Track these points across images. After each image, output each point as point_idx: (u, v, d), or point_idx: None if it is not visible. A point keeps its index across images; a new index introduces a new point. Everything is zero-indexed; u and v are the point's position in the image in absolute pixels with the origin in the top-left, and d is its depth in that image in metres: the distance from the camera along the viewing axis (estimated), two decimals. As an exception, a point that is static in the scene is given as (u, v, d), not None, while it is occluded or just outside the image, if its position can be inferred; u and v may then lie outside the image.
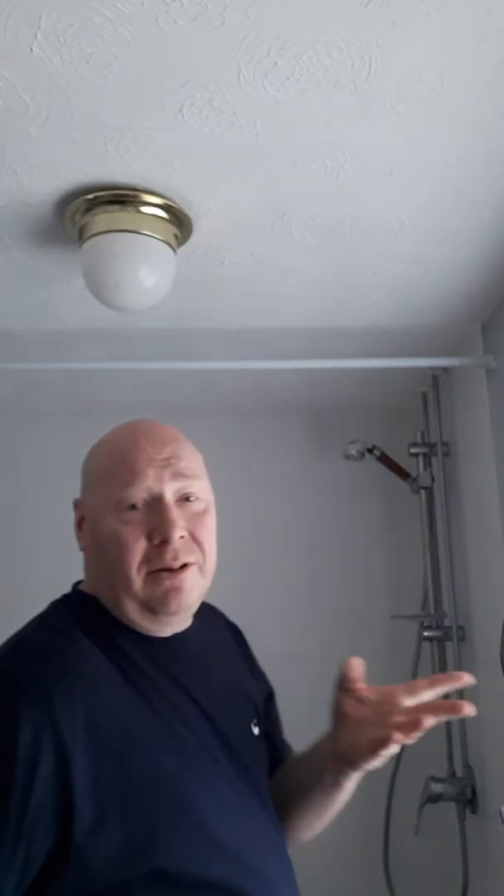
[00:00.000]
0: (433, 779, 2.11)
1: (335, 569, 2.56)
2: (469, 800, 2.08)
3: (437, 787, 2.09)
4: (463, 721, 2.12)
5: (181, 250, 1.47)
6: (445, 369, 2.21)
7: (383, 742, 0.82)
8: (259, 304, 1.79)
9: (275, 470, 2.63)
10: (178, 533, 0.88)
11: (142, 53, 0.99)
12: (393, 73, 1.03)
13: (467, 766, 2.11)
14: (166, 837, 0.79)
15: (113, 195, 1.31)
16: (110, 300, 1.43)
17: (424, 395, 2.38)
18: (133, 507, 0.89)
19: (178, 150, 1.20)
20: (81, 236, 1.39)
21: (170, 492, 0.90)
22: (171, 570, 0.88)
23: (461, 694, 2.12)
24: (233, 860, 0.83)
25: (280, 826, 0.95)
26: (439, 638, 2.24)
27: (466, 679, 0.86)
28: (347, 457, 2.43)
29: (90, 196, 1.31)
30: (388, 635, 2.49)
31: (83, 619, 0.90)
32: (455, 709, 0.82)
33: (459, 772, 2.13)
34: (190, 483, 0.92)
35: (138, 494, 0.89)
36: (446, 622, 2.23)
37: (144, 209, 1.33)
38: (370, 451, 2.43)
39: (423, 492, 2.35)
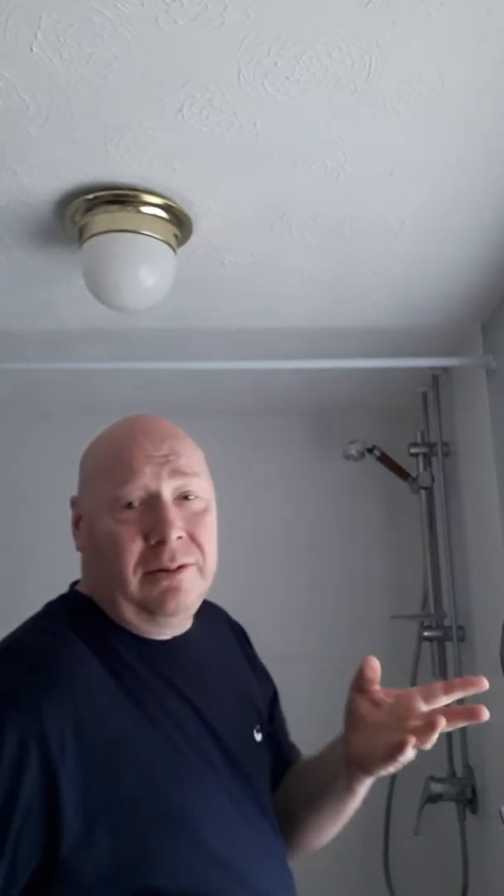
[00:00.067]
0: (433, 779, 2.11)
1: (335, 569, 2.56)
2: (469, 800, 2.08)
3: (437, 787, 2.09)
4: (463, 721, 2.11)
5: (181, 250, 1.47)
6: (445, 369, 2.21)
7: (399, 747, 0.79)
8: (259, 304, 1.79)
9: (275, 470, 2.63)
10: (176, 533, 0.85)
11: (142, 53, 0.99)
12: (393, 73, 1.03)
13: (467, 766, 2.11)
14: (159, 850, 0.76)
15: (113, 195, 1.31)
16: (110, 300, 1.43)
17: (424, 395, 2.38)
18: (129, 505, 0.86)
19: (178, 150, 1.20)
20: (81, 236, 1.39)
21: (167, 490, 0.87)
22: (167, 570, 0.85)
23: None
24: (228, 873, 0.80)
25: (280, 835, 0.91)
26: (439, 638, 2.24)
27: (484, 684, 0.85)
28: (347, 457, 2.43)
29: (90, 196, 1.31)
30: (388, 635, 2.48)
31: (78, 621, 0.88)
32: (473, 714, 0.81)
33: (459, 772, 2.13)
34: (189, 481, 0.89)
35: (135, 493, 0.86)
36: (446, 622, 2.23)
37: (144, 209, 1.33)
38: (370, 451, 2.43)
39: (423, 492, 2.35)
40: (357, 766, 0.85)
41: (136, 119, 1.13)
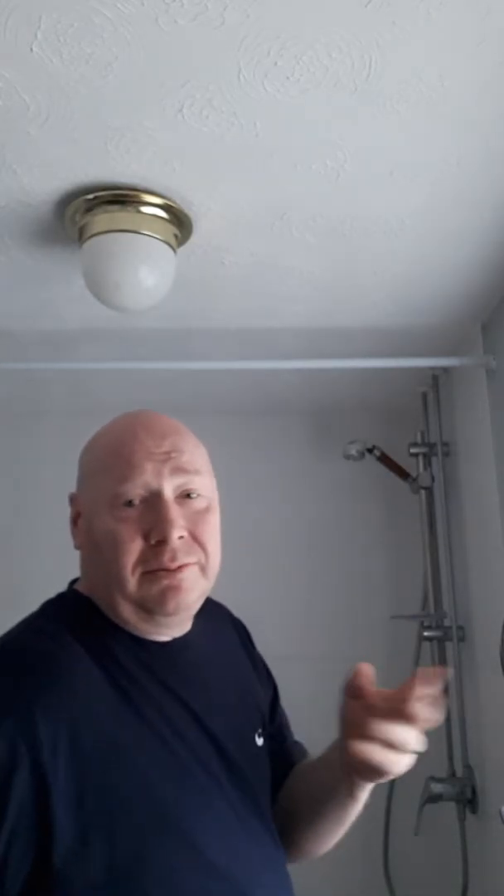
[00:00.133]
0: (433, 779, 2.11)
1: (335, 569, 2.56)
2: (469, 800, 2.08)
3: (437, 787, 2.09)
4: (463, 721, 2.12)
5: (181, 250, 1.47)
6: (445, 369, 2.21)
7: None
8: (259, 304, 1.79)
9: (275, 470, 2.63)
10: (177, 533, 0.83)
11: (142, 53, 0.99)
12: (393, 73, 1.03)
13: (467, 766, 2.11)
14: (155, 859, 0.74)
15: (113, 195, 1.31)
16: (110, 300, 1.43)
17: (424, 395, 2.38)
18: (130, 503, 0.83)
19: (178, 150, 1.20)
20: (81, 236, 1.39)
21: (169, 488, 0.85)
22: (167, 570, 0.83)
23: (461, 694, 2.12)
24: (227, 883, 0.78)
25: (279, 843, 0.89)
26: (439, 638, 2.24)
27: (448, 674, 0.82)
28: (347, 457, 2.43)
29: (90, 196, 1.31)
30: (388, 635, 2.49)
31: (76, 621, 0.85)
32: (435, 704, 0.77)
33: (459, 772, 2.13)
34: (191, 479, 0.86)
35: (135, 490, 0.84)
36: (446, 622, 2.23)
37: (144, 209, 1.33)
38: (370, 451, 2.43)
39: (423, 492, 2.35)
40: (356, 772, 0.81)
41: (136, 119, 1.13)
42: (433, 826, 2.14)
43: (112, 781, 0.74)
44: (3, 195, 1.32)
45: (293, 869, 0.93)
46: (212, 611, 0.97)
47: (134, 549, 0.82)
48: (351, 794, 0.86)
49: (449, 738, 2.19)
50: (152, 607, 0.84)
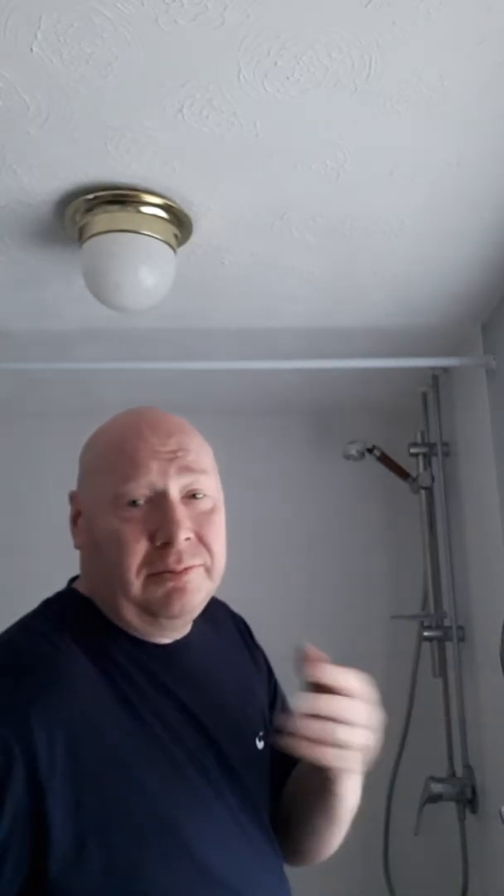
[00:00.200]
0: (433, 779, 2.11)
1: (335, 569, 2.56)
2: (469, 800, 2.08)
3: (437, 787, 2.09)
4: (463, 721, 2.12)
5: (181, 250, 1.47)
6: (445, 369, 2.21)
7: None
8: (259, 304, 1.79)
9: (275, 470, 2.63)
10: (184, 534, 0.81)
11: (142, 53, 0.99)
12: (393, 73, 1.03)
13: (467, 766, 2.11)
14: (154, 870, 0.72)
15: (113, 195, 1.31)
16: (110, 300, 1.43)
17: (424, 395, 2.38)
18: (134, 503, 0.81)
19: (178, 150, 1.20)
20: (81, 236, 1.39)
21: (175, 488, 0.82)
22: (173, 572, 0.81)
23: (461, 694, 2.12)
24: (223, 888, 0.76)
25: (278, 848, 0.88)
26: (439, 638, 2.24)
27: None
28: (347, 457, 2.43)
29: (90, 196, 1.31)
30: (388, 635, 2.49)
31: (75, 622, 0.84)
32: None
33: (459, 772, 2.13)
34: (197, 479, 0.84)
35: (139, 490, 0.81)
36: (446, 622, 2.23)
37: (144, 209, 1.33)
38: (370, 451, 2.43)
39: (423, 492, 2.35)
40: (319, 767, 0.79)
41: (136, 119, 1.13)
42: (433, 826, 2.14)
43: (109, 788, 0.73)
44: (3, 195, 1.32)
45: (293, 868, 0.93)
46: (211, 610, 0.95)
47: (139, 550, 0.80)
48: (328, 789, 0.83)
49: (449, 738, 2.19)
50: (157, 610, 0.82)
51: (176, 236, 1.40)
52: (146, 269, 1.38)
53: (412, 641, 2.34)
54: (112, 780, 0.73)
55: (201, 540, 0.83)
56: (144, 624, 0.83)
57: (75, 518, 0.90)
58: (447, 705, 2.24)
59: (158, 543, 0.81)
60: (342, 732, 0.74)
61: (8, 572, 2.46)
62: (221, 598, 1.03)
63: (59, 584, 0.96)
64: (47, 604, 0.89)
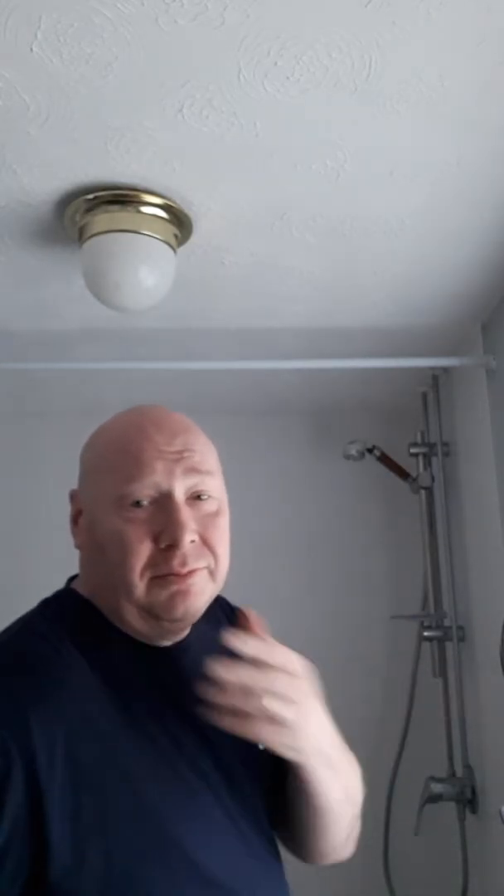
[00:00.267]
0: (433, 779, 2.11)
1: (335, 569, 2.56)
2: (469, 800, 2.08)
3: (437, 787, 2.09)
4: (463, 721, 2.12)
5: (181, 250, 1.47)
6: (445, 369, 2.21)
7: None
8: (259, 304, 1.79)
9: (275, 470, 2.63)
10: (189, 537, 0.79)
11: (142, 53, 0.99)
12: (393, 73, 1.03)
13: (467, 766, 2.11)
14: (153, 877, 0.72)
15: (113, 195, 1.31)
16: (110, 300, 1.43)
17: (424, 395, 2.38)
18: (138, 503, 0.79)
19: (178, 150, 1.20)
20: (81, 236, 1.39)
21: (180, 489, 0.80)
22: (177, 574, 0.79)
23: (461, 694, 2.12)
24: (222, 893, 0.75)
25: (277, 852, 0.87)
26: (439, 638, 2.24)
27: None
28: (347, 457, 2.43)
29: (90, 196, 1.31)
30: (388, 635, 2.49)
31: (74, 623, 0.82)
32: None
33: (459, 772, 2.13)
34: (203, 480, 0.82)
35: (144, 490, 0.79)
36: (446, 622, 2.23)
37: (144, 209, 1.33)
38: (370, 451, 2.43)
39: (423, 492, 2.35)
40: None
41: (136, 119, 1.13)
42: (433, 826, 2.14)
43: (108, 793, 0.72)
44: (3, 195, 1.32)
45: (293, 868, 0.93)
46: (211, 610, 0.93)
47: (143, 551, 0.79)
48: (298, 778, 0.80)
49: (449, 738, 2.19)
50: (159, 613, 0.80)
51: (176, 236, 1.40)
52: (146, 269, 1.38)
53: (412, 641, 2.34)
54: (110, 784, 0.72)
55: (206, 542, 0.82)
56: (146, 626, 0.82)
57: (76, 517, 0.88)
58: (447, 705, 2.24)
59: (163, 546, 0.79)
60: (258, 703, 0.72)
61: (8, 572, 2.46)
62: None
63: (60, 584, 0.95)
64: (46, 604, 0.88)
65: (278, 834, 0.91)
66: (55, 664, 0.77)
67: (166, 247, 1.39)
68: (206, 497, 0.83)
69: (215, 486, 0.85)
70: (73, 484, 0.92)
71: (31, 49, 0.98)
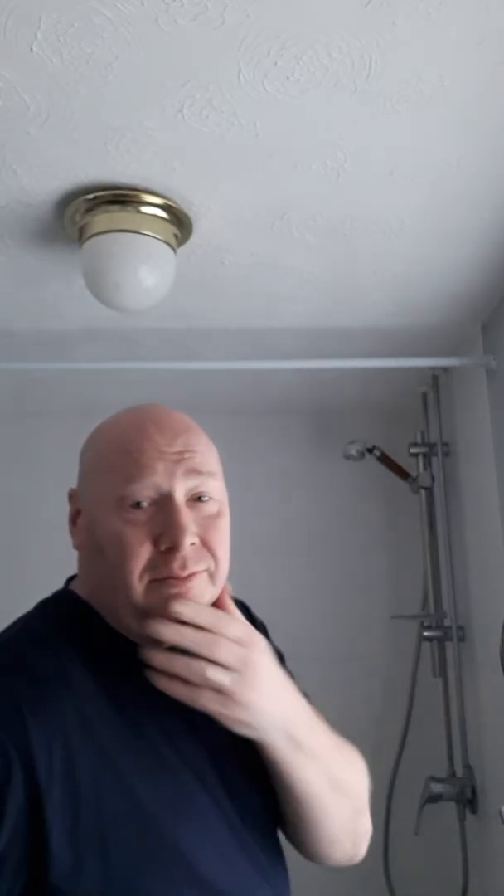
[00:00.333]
0: (433, 779, 2.11)
1: (335, 569, 2.56)
2: (469, 800, 2.08)
3: (437, 787, 2.09)
4: (463, 721, 2.12)
5: (181, 250, 1.47)
6: (445, 369, 2.21)
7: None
8: (259, 304, 1.79)
9: (275, 470, 2.63)
10: (189, 540, 0.78)
11: (142, 53, 0.99)
12: (393, 73, 1.03)
13: (467, 766, 2.11)
14: (149, 878, 0.71)
15: (113, 195, 1.31)
16: (110, 300, 1.43)
17: (424, 395, 2.38)
18: (138, 504, 0.78)
19: (178, 150, 1.20)
20: (81, 236, 1.39)
21: (181, 491, 0.79)
22: (177, 577, 0.77)
23: (461, 694, 2.12)
24: None
25: (280, 854, 0.86)
26: (439, 638, 2.24)
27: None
28: (347, 457, 2.43)
29: (90, 196, 1.31)
30: (388, 635, 2.49)
31: (72, 625, 0.82)
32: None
33: (459, 772, 2.13)
34: (204, 481, 0.81)
35: (144, 491, 0.78)
36: (446, 622, 2.23)
37: (144, 209, 1.33)
38: (370, 451, 2.43)
39: (423, 492, 2.35)
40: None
41: (136, 119, 1.13)
42: (433, 826, 2.14)
43: (106, 798, 0.71)
44: (3, 195, 1.32)
45: (293, 867, 0.92)
46: None
47: (142, 554, 0.77)
48: (266, 760, 0.80)
49: (449, 738, 2.19)
50: (158, 615, 0.79)
51: (176, 236, 1.40)
52: (146, 269, 1.38)
53: (412, 641, 2.34)
54: (107, 789, 0.72)
55: (206, 545, 0.80)
56: (145, 629, 0.81)
57: (74, 517, 0.87)
58: (447, 705, 2.24)
59: (163, 548, 0.78)
60: (198, 669, 0.73)
61: (8, 572, 2.47)
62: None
63: (59, 585, 0.95)
64: (44, 604, 0.87)
65: (283, 831, 0.90)
66: (53, 667, 0.77)
67: (166, 247, 1.39)
68: (206, 499, 0.82)
69: (216, 488, 0.83)
70: (74, 484, 0.92)
71: (31, 49, 0.98)
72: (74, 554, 0.91)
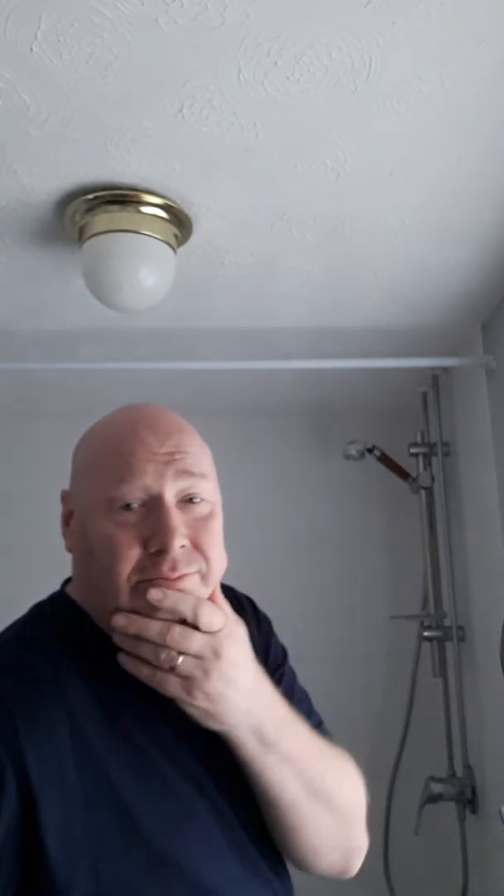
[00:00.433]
0: (433, 779, 2.11)
1: (335, 569, 2.56)
2: (469, 800, 2.08)
3: (437, 787, 2.09)
4: (463, 721, 2.12)
5: (181, 250, 1.47)
6: (445, 369, 2.21)
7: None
8: (259, 304, 1.79)
9: (275, 470, 2.63)
10: (179, 542, 0.76)
11: (142, 53, 0.99)
12: (393, 73, 1.03)
13: (467, 766, 2.11)
14: (142, 887, 0.70)
15: (113, 195, 1.31)
16: (110, 300, 1.43)
17: (424, 395, 2.38)
18: (128, 506, 0.77)
19: (178, 150, 1.20)
20: (81, 236, 1.39)
21: (171, 492, 0.78)
22: (167, 579, 0.76)
23: (461, 694, 2.12)
24: None
25: (278, 858, 0.85)
26: (439, 638, 2.24)
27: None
28: (347, 457, 2.43)
29: (90, 196, 1.31)
30: (388, 635, 2.49)
31: (66, 629, 0.81)
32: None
33: (459, 772, 2.13)
34: (195, 482, 0.80)
35: (134, 493, 0.77)
36: (446, 622, 2.23)
37: (144, 209, 1.33)
38: (370, 451, 2.43)
39: (423, 492, 2.35)
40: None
41: (136, 119, 1.13)
42: (433, 826, 2.14)
43: (96, 807, 0.71)
44: (3, 195, 1.32)
45: (293, 868, 0.92)
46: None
47: (131, 556, 0.76)
48: (237, 757, 0.79)
49: (449, 738, 2.19)
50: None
51: (176, 236, 1.40)
52: (146, 269, 1.38)
53: (412, 641, 2.34)
54: (99, 797, 0.71)
55: (197, 547, 0.79)
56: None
57: (67, 519, 0.86)
58: (447, 705, 2.24)
59: (152, 550, 0.77)
60: (163, 654, 0.72)
61: (7, 572, 2.46)
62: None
63: (57, 586, 0.95)
64: (39, 608, 0.87)
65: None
66: (46, 673, 0.76)
67: (166, 247, 1.39)
68: (198, 500, 0.81)
69: (208, 489, 0.82)
70: (73, 484, 0.92)
71: (31, 49, 0.98)
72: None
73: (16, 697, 0.73)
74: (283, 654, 1.01)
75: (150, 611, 0.75)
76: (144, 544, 0.77)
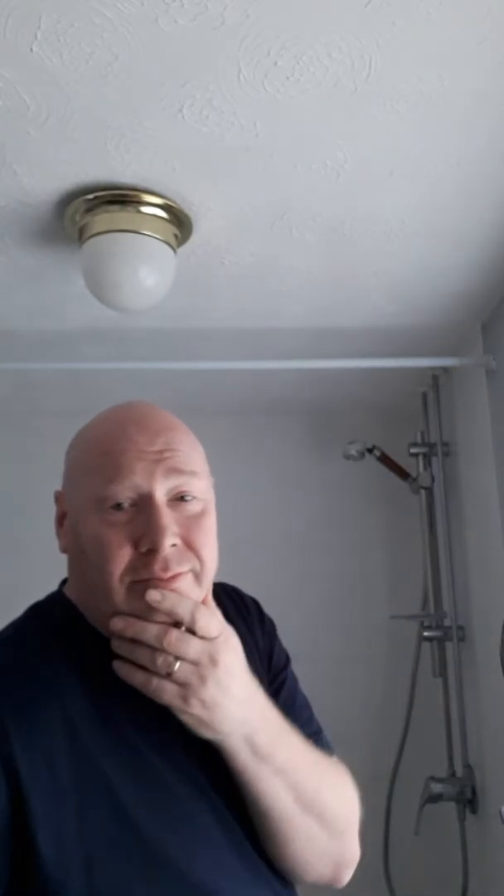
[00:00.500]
0: (433, 779, 2.11)
1: (335, 569, 2.56)
2: (469, 800, 2.08)
3: (437, 787, 2.09)
4: (463, 721, 2.12)
5: (181, 250, 1.47)
6: (445, 369, 2.21)
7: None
8: (259, 304, 1.79)
9: (275, 470, 2.63)
10: (170, 541, 0.75)
11: (142, 53, 0.99)
12: (393, 73, 1.03)
13: (467, 766, 2.11)
14: (137, 886, 0.70)
15: (113, 195, 1.31)
16: (110, 300, 1.43)
17: (424, 395, 2.38)
18: (118, 506, 0.76)
19: (178, 150, 1.20)
20: (81, 236, 1.39)
21: (161, 491, 0.77)
22: (159, 579, 0.75)
23: (461, 694, 2.12)
24: None
25: (266, 861, 0.83)
26: (439, 638, 2.24)
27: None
28: (347, 457, 2.43)
29: (90, 196, 1.31)
30: (388, 635, 2.49)
31: (61, 630, 0.81)
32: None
33: (459, 772, 2.13)
34: (186, 480, 0.79)
35: (124, 492, 0.76)
36: (446, 622, 2.23)
37: (144, 209, 1.33)
38: (370, 451, 2.43)
39: (423, 492, 2.35)
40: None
41: (136, 119, 1.13)
42: (433, 826, 2.14)
43: (90, 807, 0.70)
44: (3, 195, 1.32)
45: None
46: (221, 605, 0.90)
47: (122, 556, 0.75)
48: (229, 766, 0.78)
49: (449, 738, 2.19)
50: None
51: (176, 236, 1.40)
52: (146, 269, 1.38)
53: (412, 641, 2.34)
54: (91, 798, 0.71)
55: (189, 545, 0.78)
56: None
57: (60, 519, 0.85)
58: (447, 705, 2.24)
59: (143, 550, 0.76)
60: (158, 658, 0.72)
61: (8, 572, 2.46)
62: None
63: (57, 586, 0.95)
64: (35, 608, 0.87)
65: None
66: (40, 673, 0.76)
67: (166, 247, 1.39)
68: (189, 498, 0.80)
69: (200, 487, 0.81)
70: (71, 485, 0.91)
71: (31, 49, 0.98)
72: (74, 555, 0.90)
73: (8, 699, 0.72)
74: (286, 658, 1.00)
75: (148, 613, 0.75)
76: (135, 544, 0.76)
